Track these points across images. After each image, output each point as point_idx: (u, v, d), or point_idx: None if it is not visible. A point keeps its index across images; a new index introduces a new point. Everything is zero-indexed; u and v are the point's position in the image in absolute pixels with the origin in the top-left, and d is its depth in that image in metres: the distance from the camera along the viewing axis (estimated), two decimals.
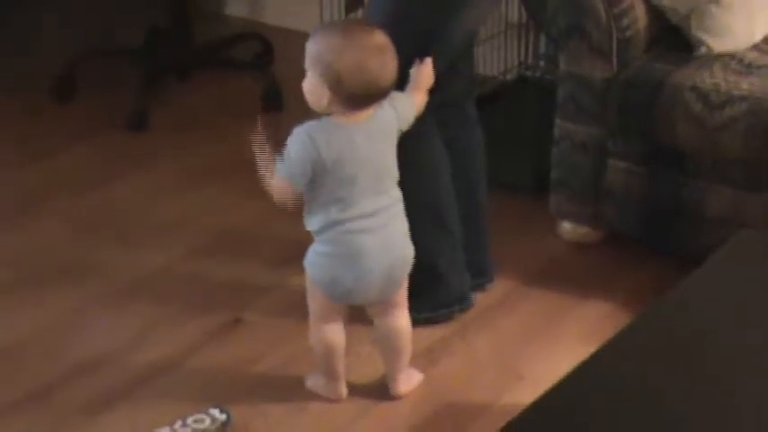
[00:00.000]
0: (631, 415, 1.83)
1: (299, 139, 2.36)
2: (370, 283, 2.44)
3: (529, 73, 3.68)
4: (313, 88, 2.36)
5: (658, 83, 2.83)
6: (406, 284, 2.53)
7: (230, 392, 2.62)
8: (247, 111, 3.59)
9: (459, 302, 2.82)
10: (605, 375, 1.94)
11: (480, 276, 2.91)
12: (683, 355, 1.98)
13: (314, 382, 2.62)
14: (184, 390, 2.63)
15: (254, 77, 3.91)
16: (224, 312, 2.86)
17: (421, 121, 2.54)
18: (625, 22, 2.89)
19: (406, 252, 2.49)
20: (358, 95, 2.34)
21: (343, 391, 2.59)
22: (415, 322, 2.63)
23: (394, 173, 2.44)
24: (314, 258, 2.46)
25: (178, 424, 2.49)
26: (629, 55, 2.91)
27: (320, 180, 2.38)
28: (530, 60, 3.66)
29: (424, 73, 2.52)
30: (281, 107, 3.71)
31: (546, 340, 2.78)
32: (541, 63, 3.57)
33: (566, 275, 3.01)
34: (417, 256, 2.56)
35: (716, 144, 2.78)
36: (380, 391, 2.63)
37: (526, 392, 2.43)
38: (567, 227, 3.12)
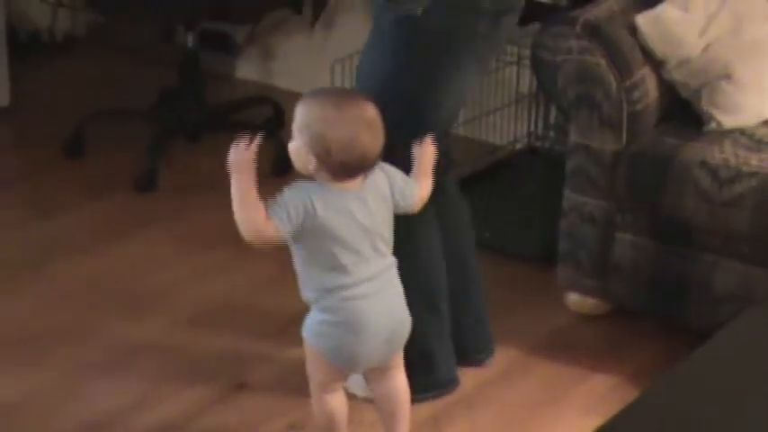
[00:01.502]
0: None
1: (297, 188, 2.34)
2: (374, 347, 2.42)
3: (538, 143, 3.69)
4: (299, 154, 2.35)
5: (668, 157, 2.83)
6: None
7: None
8: (257, 174, 3.61)
9: (447, 385, 2.79)
10: None
11: (479, 352, 2.90)
12: (690, 429, 1.96)
13: None
14: None
15: (264, 141, 3.91)
16: (226, 378, 2.84)
17: (423, 207, 2.53)
18: (636, 94, 2.90)
19: (404, 315, 2.47)
20: (346, 167, 2.33)
21: None
22: None
23: (388, 238, 2.42)
24: (315, 328, 2.42)
25: None
26: (639, 128, 2.91)
27: (312, 241, 2.34)
28: (540, 131, 3.67)
29: (427, 152, 2.51)
30: (291, 172, 3.71)
31: (551, 412, 2.76)
32: (551, 134, 3.58)
33: (572, 347, 3.00)
34: (410, 341, 2.56)
35: (725, 219, 2.78)
36: None
37: None
38: (573, 298, 3.11)
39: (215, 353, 2.95)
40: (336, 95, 2.43)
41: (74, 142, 3.90)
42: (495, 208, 2.86)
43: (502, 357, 2.93)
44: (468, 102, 2.71)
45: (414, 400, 2.70)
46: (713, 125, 2.93)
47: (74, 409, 2.74)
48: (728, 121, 2.93)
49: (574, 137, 2.96)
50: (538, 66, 3.00)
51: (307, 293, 2.41)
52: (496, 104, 3.54)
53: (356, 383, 2.64)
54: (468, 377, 2.84)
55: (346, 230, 2.34)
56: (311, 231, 2.33)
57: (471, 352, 2.87)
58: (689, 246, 2.87)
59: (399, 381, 2.53)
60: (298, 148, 2.35)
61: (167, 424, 2.69)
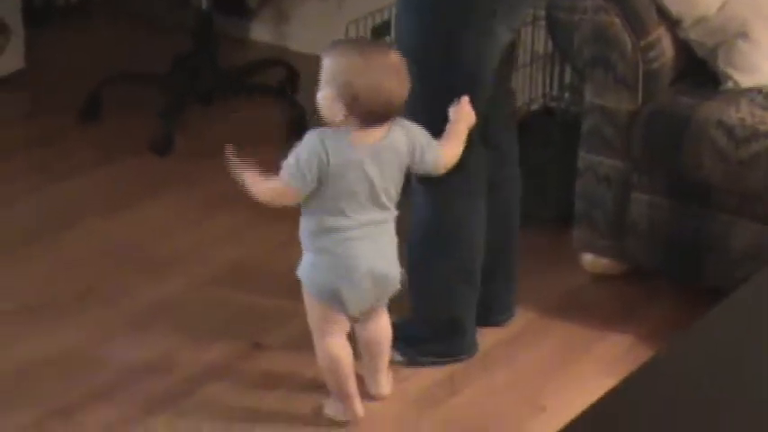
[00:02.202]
0: None
1: (309, 140, 2.42)
2: (362, 289, 2.47)
3: (554, 104, 3.68)
4: (328, 103, 2.40)
5: (684, 117, 2.82)
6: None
7: (250, 417, 2.61)
8: (271, 137, 3.62)
9: (469, 350, 2.81)
10: (627, 409, 1.93)
11: (501, 313, 2.91)
12: (705, 389, 1.96)
13: (331, 408, 2.61)
14: (204, 414, 2.63)
15: (278, 104, 3.92)
16: (243, 338, 2.86)
17: (473, 179, 2.61)
18: (651, 54, 2.88)
19: (394, 265, 2.52)
20: (373, 113, 2.39)
21: (360, 409, 2.58)
22: (420, 363, 2.73)
23: (394, 194, 2.48)
24: (308, 268, 2.49)
25: None
26: (654, 88, 2.90)
27: (321, 186, 2.41)
28: (555, 92, 3.66)
29: (463, 112, 2.54)
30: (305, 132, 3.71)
31: (567, 373, 2.77)
32: (566, 95, 3.56)
33: (588, 308, 3.00)
34: (440, 309, 2.69)
35: (741, 179, 2.77)
36: (402, 420, 2.62)
37: (547, 424, 2.42)
38: (589, 259, 3.11)
39: (232, 313, 2.96)
40: (361, 45, 2.50)
41: (89, 106, 3.90)
42: None
43: (518, 318, 2.94)
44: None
45: (434, 363, 2.74)
46: (730, 84, 2.92)
47: (99, 367, 2.76)
48: (745, 80, 2.91)
49: (589, 97, 2.95)
50: (553, 26, 2.99)
51: (303, 237, 2.48)
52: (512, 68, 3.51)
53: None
54: (485, 337, 2.85)
55: (353, 180, 2.40)
56: (323, 178, 2.41)
57: (495, 313, 2.89)
58: (705, 206, 2.86)
59: (385, 324, 2.59)
60: (326, 98, 2.41)
61: (188, 382, 2.72)
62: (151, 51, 4.25)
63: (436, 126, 2.54)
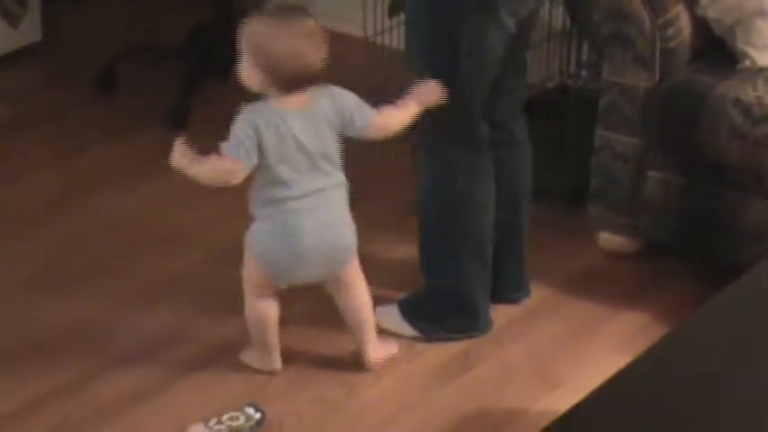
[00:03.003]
0: (665, 427, 1.82)
1: (241, 118, 2.48)
2: (308, 261, 2.54)
3: (570, 81, 3.67)
4: (248, 70, 2.48)
5: (701, 95, 2.82)
6: (355, 264, 2.61)
7: (265, 391, 2.63)
8: None
9: (484, 328, 2.82)
10: (640, 386, 1.93)
11: (516, 291, 2.92)
12: (717, 368, 1.97)
13: (249, 356, 2.69)
14: (219, 387, 2.64)
15: None
16: None
17: (476, 153, 2.64)
18: (669, 31, 2.88)
19: (346, 237, 2.57)
20: (292, 78, 2.46)
21: (278, 362, 2.67)
22: (432, 339, 2.76)
23: (335, 158, 2.53)
24: (255, 235, 2.57)
25: (213, 421, 2.51)
26: (672, 65, 2.90)
27: (262, 158, 2.47)
28: (571, 69, 3.65)
29: (429, 91, 2.58)
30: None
31: (581, 349, 2.78)
32: (583, 72, 3.55)
33: (602, 285, 3.00)
34: (450, 283, 2.72)
35: (757, 158, 2.77)
36: (415, 395, 2.63)
37: (560, 400, 2.43)
38: (604, 236, 3.11)
39: None
40: (276, 13, 2.54)
41: (105, 79, 3.90)
42: None
43: (532, 295, 2.94)
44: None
45: (448, 339, 2.75)
46: (747, 63, 2.91)
47: (108, 342, 2.78)
48: (763, 59, 2.90)
49: (607, 74, 2.94)
50: (572, 2, 2.98)
51: (252, 206, 2.55)
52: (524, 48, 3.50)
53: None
54: (499, 314, 2.85)
55: (286, 147, 2.47)
56: (260, 147, 2.47)
57: (509, 290, 2.90)
58: (720, 184, 2.86)
59: (357, 295, 2.64)
60: (246, 68, 2.49)
61: (204, 355, 2.73)
62: (168, 23, 4.25)
63: (445, 111, 2.57)
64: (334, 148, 2.53)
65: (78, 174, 3.47)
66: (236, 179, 2.49)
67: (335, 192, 2.55)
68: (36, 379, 2.65)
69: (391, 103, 2.59)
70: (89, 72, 3.90)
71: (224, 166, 2.48)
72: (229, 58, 3.98)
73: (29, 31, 4.07)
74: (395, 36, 3.34)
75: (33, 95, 3.94)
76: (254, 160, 2.46)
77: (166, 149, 3.59)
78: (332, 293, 2.66)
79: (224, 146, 2.49)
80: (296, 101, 2.49)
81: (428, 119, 2.62)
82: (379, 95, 2.71)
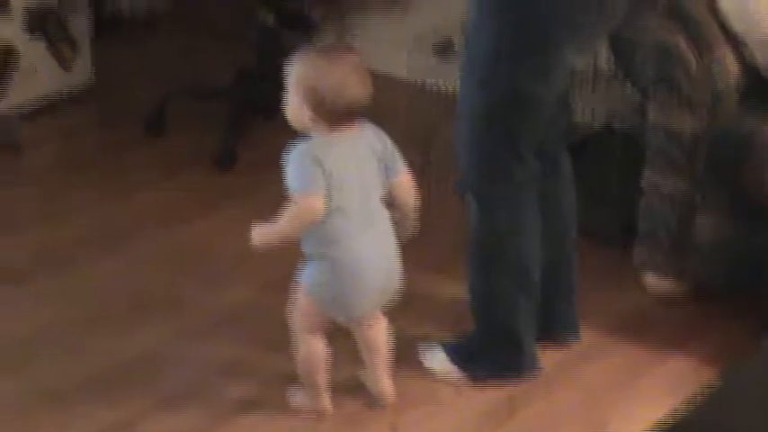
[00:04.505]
0: None
1: (297, 158, 2.49)
2: (369, 297, 2.55)
3: (616, 122, 3.66)
4: (296, 110, 2.51)
5: (749, 137, 2.80)
6: None
7: (319, 428, 2.63)
8: None
9: (532, 368, 2.80)
10: (691, 430, 1.91)
11: (566, 331, 2.90)
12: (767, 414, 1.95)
13: (298, 398, 2.68)
14: (272, 427, 2.64)
15: None
16: None
17: (524, 186, 2.64)
18: (716, 73, 2.86)
19: (397, 266, 2.59)
20: (339, 112, 2.48)
21: (328, 403, 2.66)
22: (479, 379, 2.75)
23: (380, 191, 2.55)
24: (316, 277, 2.55)
25: None
26: (719, 108, 2.88)
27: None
28: (617, 110, 3.64)
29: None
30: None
31: (629, 395, 2.75)
32: (629, 113, 3.54)
33: (650, 329, 2.98)
34: (496, 317, 2.72)
35: None
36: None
37: None
38: (651, 279, 3.09)
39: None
40: (321, 50, 2.58)
41: (154, 120, 3.94)
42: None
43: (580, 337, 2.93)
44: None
45: (493, 377, 2.75)
46: None
47: (160, 381, 2.79)
48: None
49: (653, 117, 2.93)
50: (615, 44, 2.98)
51: (307, 246, 2.54)
52: (574, 82, 3.50)
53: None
54: (546, 357, 2.84)
55: (344, 174, 2.48)
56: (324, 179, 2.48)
57: (558, 331, 2.88)
58: None
59: (381, 326, 2.65)
60: (293, 105, 2.51)
61: (254, 394, 2.74)
62: (216, 65, 4.29)
63: (491, 140, 2.58)
64: (377, 182, 2.55)
65: (130, 212, 3.50)
66: (319, 212, 2.47)
67: (385, 222, 2.57)
68: (83, 420, 2.65)
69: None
70: (140, 113, 3.95)
71: (300, 206, 2.48)
72: (274, 98, 4.05)
73: (80, 74, 4.13)
74: (439, 78, 3.36)
75: (85, 137, 3.98)
76: (324, 186, 2.46)
77: (215, 189, 3.66)
78: (353, 329, 2.65)
79: (291, 189, 2.49)
80: (344, 135, 2.51)
81: (471, 153, 2.63)
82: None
